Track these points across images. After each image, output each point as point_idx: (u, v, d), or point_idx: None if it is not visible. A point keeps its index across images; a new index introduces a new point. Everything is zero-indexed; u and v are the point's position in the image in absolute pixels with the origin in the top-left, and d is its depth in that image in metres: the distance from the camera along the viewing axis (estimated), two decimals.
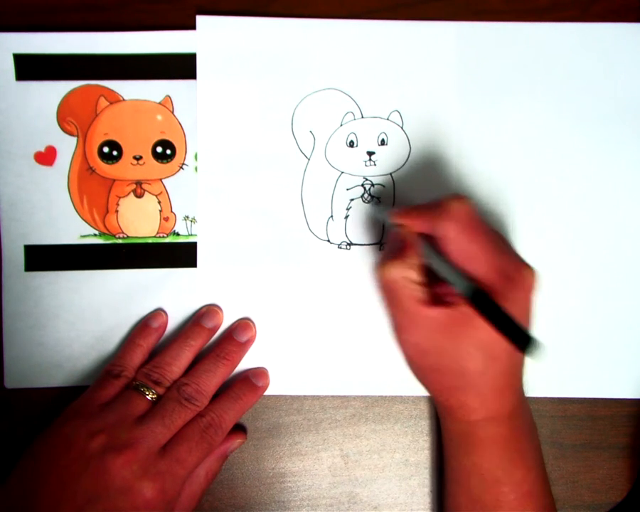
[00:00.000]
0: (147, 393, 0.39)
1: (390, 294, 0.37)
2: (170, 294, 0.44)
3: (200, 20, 0.43)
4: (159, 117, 0.44)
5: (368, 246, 0.44)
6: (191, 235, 0.44)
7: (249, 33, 0.43)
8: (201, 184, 0.44)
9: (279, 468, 0.45)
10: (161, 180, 0.44)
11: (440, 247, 0.36)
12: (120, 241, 0.44)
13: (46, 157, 0.43)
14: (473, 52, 0.44)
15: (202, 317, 0.43)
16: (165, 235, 0.44)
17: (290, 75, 0.44)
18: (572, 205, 0.44)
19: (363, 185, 0.44)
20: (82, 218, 0.44)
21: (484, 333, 0.34)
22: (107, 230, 0.44)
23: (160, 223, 0.44)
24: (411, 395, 0.44)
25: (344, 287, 0.44)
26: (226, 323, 0.44)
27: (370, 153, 0.44)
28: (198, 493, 0.41)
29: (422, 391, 0.41)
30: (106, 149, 0.44)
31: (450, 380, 0.37)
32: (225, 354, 0.42)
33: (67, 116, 0.43)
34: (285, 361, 0.44)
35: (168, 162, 0.44)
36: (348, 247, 0.44)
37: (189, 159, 0.44)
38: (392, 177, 0.44)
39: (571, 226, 0.44)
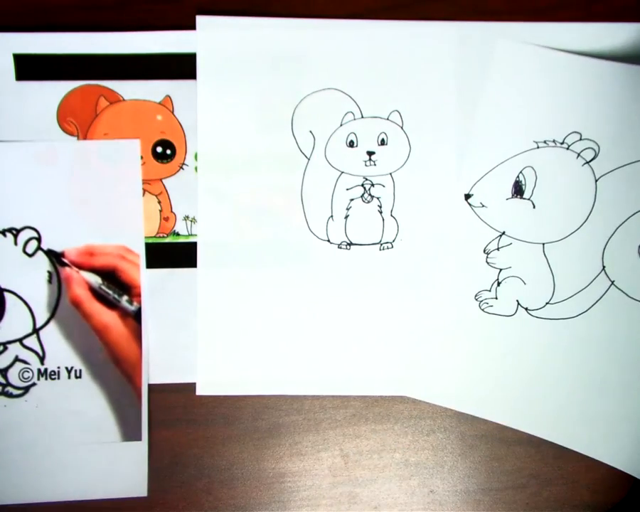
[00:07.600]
0: None
1: None
2: (170, 294, 0.44)
3: (200, 20, 0.43)
4: (159, 117, 0.44)
5: (368, 246, 0.44)
6: (191, 235, 0.44)
7: (249, 32, 0.43)
8: (201, 184, 0.44)
9: (279, 468, 0.45)
10: (161, 180, 0.44)
11: None
12: None
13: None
14: (473, 52, 0.44)
15: None
16: (165, 235, 0.44)
17: (290, 75, 0.44)
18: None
19: (363, 185, 0.44)
20: None
21: None
22: None
23: (160, 223, 0.44)
24: (411, 395, 0.44)
25: (344, 287, 0.44)
26: (226, 323, 0.44)
27: (370, 153, 0.44)
28: None
29: (421, 391, 0.41)
30: None
31: None
32: None
33: (67, 116, 0.43)
34: (285, 361, 0.44)
35: (168, 162, 0.44)
36: (348, 247, 0.44)
37: (189, 159, 0.44)
38: (392, 177, 0.44)
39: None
